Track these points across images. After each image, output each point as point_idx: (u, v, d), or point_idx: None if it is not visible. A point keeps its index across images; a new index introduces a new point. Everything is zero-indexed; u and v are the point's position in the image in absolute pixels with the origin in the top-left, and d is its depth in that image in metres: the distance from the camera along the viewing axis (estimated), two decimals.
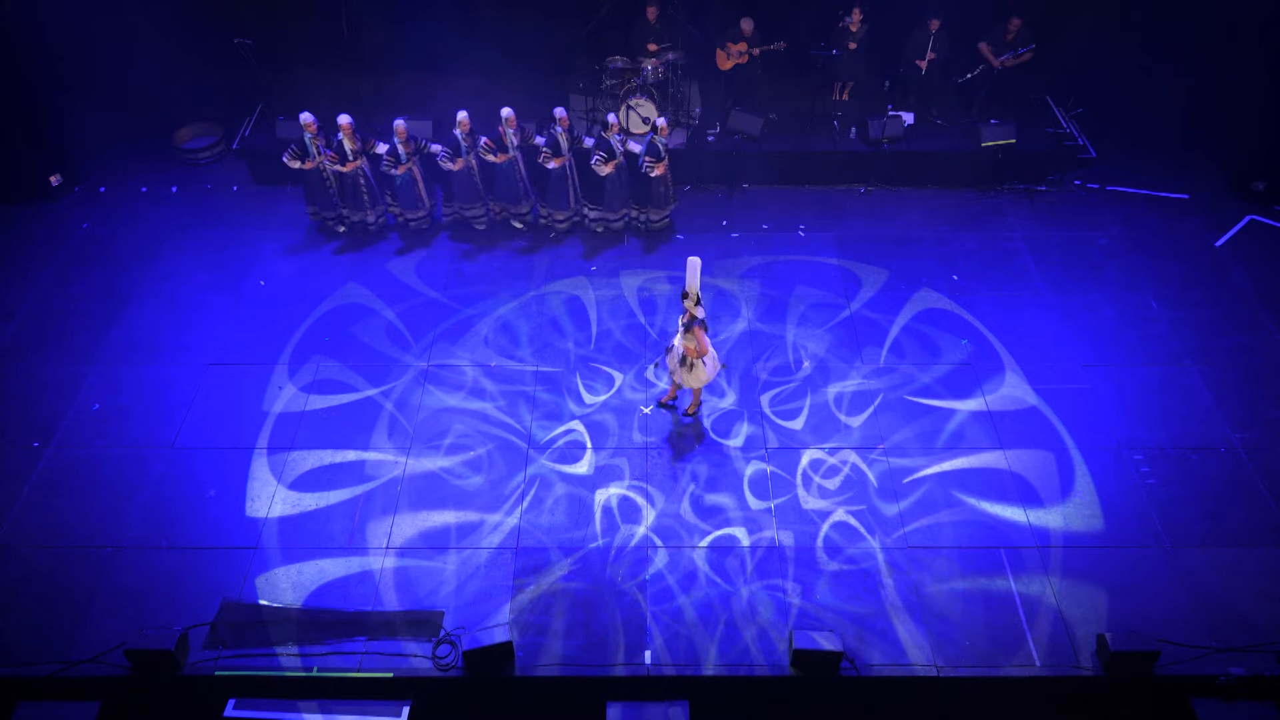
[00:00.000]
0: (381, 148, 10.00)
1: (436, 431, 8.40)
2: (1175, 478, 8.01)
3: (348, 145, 9.86)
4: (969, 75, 11.57)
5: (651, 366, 8.90)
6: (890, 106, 11.71)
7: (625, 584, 7.24)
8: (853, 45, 11.26)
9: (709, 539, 7.57)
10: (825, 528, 7.64)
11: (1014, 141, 11.21)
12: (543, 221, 10.76)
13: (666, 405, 8.61)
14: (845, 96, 11.98)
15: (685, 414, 8.53)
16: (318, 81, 12.19)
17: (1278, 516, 7.71)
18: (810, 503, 7.84)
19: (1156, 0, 11.23)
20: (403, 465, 8.11)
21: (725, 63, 11.48)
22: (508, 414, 8.58)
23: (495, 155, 10.02)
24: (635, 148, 10.07)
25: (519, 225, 10.79)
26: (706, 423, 8.49)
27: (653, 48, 11.23)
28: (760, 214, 11.09)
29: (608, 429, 8.45)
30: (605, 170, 9.95)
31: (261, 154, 11.46)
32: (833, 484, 7.99)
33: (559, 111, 9.91)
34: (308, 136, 9.79)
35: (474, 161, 10.17)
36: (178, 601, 7.06)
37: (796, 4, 11.64)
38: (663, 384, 8.75)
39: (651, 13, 11.15)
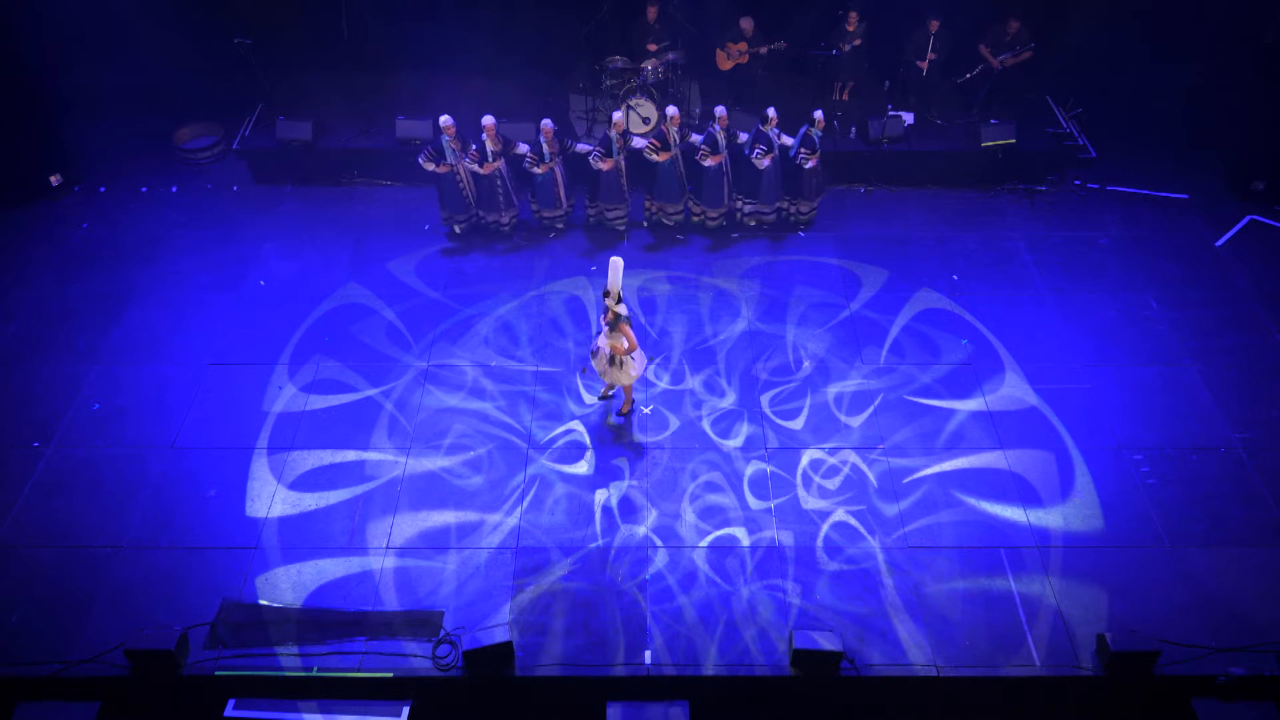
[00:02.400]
0: (522, 148, 9.95)
1: (436, 431, 8.40)
2: (1175, 478, 8.01)
3: (490, 146, 9.82)
4: (969, 75, 11.57)
5: (579, 374, 8.87)
6: (890, 106, 11.71)
7: (625, 584, 7.24)
8: (848, 46, 11.27)
9: (709, 539, 7.57)
10: (825, 528, 7.64)
11: (1014, 141, 11.21)
12: (695, 219, 10.73)
13: (607, 396, 8.64)
14: (845, 96, 11.98)
15: (619, 414, 8.53)
16: (318, 81, 12.20)
17: (1278, 516, 7.71)
18: (810, 503, 7.84)
19: (1157, 0, 11.22)
20: (403, 465, 8.11)
21: (725, 63, 11.49)
22: (508, 414, 8.58)
23: (659, 154, 10.02)
24: (788, 140, 10.12)
25: (669, 224, 10.78)
26: (639, 422, 8.49)
27: (653, 48, 11.23)
28: None
29: (608, 429, 8.45)
30: (764, 163, 9.99)
31: (261, 154, 11.47)
32: (833, 484, 8.00)
33: (719, 110, 9.87)
34: (445, 139, 9.74)
35: (623, 162, 10.14)
36: (178, 601, 7.06)
37: (796, 4, 11.64)
38: (598, 397, 8.69)
39: (651, 13, 11.15)
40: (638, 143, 10.14)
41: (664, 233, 10.73)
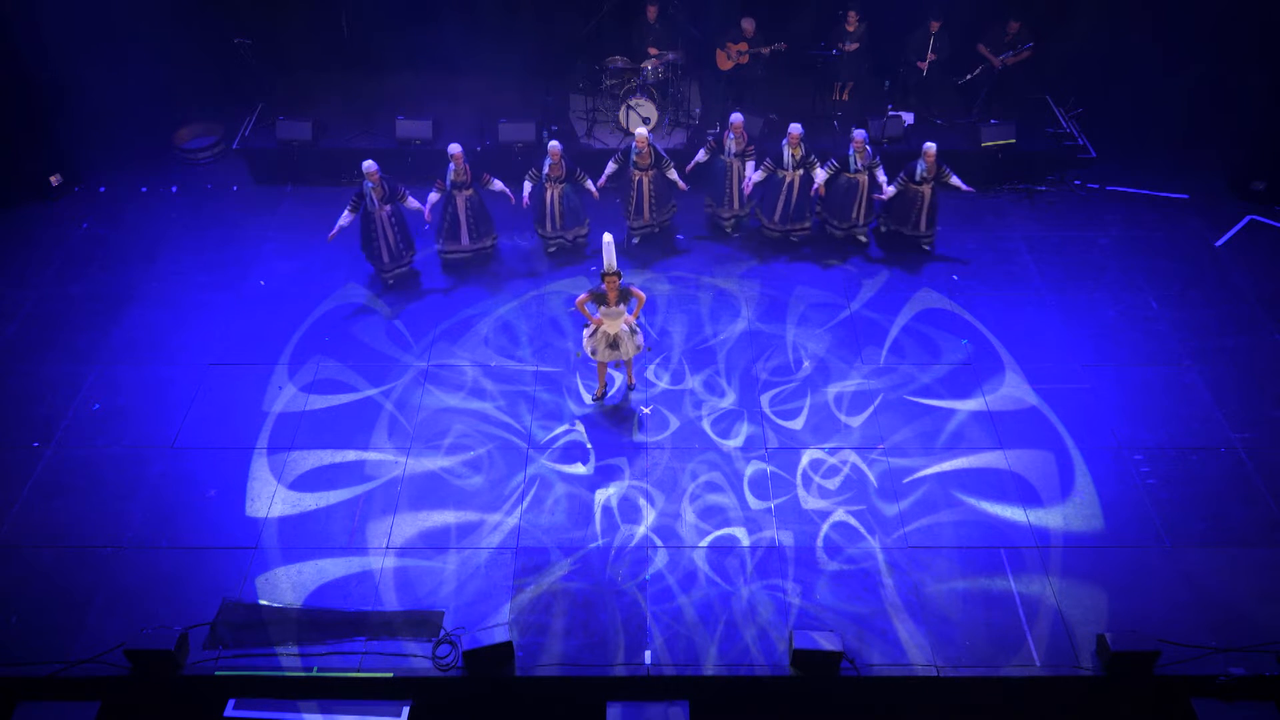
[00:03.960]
0: (496, 185, 9.66)
1: (436, 431, 8.40)
2: (1175, 478, 8.01)
3: (453, 177, 9.51)
4: (969, 76, 11.57)
5: (575, 356, 9.02)
6: (890, 106, 11.71)
7: (625, 584, 7.24)
8: (849, 46, 11.28)
9: (709, 539, 7.57)
10: (825, 528, 7.64)
11: (1014, 141, 11.21)
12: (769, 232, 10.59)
13: (601, 397, 8.72)
14: (845, 96, 11.98)
15: (596, 398, 8.68)
16: (318, 81, 12.21)
17: (1278, 516, 7.71)
18: (810, 503, 7.84)
19: (1157, 0, 11.22)
20: (403, 465, 8.11)
21: (725, 63, 11.49)
22: (508, 414, 8.58)
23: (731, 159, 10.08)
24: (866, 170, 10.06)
25: (727, 229, 10.72)
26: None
27: (653, 50, 11.23)
28: None
29: (608, 429, 8.45)
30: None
31: (261, 154, 11.47)
32: (833, 484, 7.99)
33: (794, 129, 9.79)
34: (368, 185, 9.21)
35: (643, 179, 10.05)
36: (178, 601, 7.05)
37: (796, 4, 11.64)
38: (594, 398, 8.73)
39: (652, 13, 11.15)
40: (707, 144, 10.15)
41: (664, 237, 10.73)
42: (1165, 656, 6.64)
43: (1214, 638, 6.83)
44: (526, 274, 10.17)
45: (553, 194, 9.91)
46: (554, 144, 9.69)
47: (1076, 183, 11.57)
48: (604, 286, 7.81)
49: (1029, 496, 7.87)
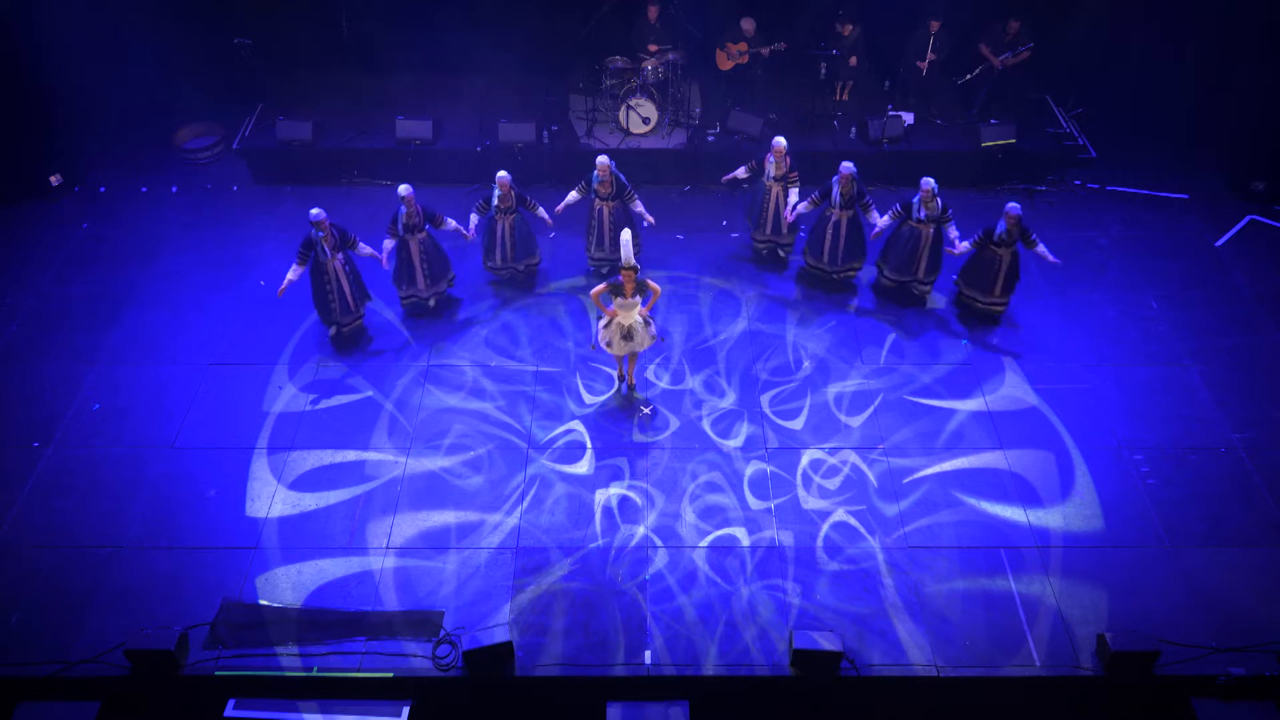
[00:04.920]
0: (450, 224, 9.15)
1: (436, 431, 8.40)
2: (1175, 478, 8.01)
3: (404, 220, 8.99)
4: (969, 76, 11.57)
5: (591, 348, 8.98)
6: (890, 106, 11.71)
7: (625, 584, 7.24)
8: (851, 60, 11.32)
9: (709, 539, 7.57)
10: (825, 528, 7.64)
11: (1014, 141, 11.21)
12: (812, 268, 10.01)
13: (633, 387, 8.81)
14: (845, 96, 11.98)
15: (619, 381, 8.81)
16: (318, 81, 12.21)
17: (1277, 516, 7.71)
18: (810, 503, 7.84)
19: (1157, 0, 11.22)
20: (403, 465, 8.11)
21: (725, 63, 11.49)
22: (508, 414, 8.58)
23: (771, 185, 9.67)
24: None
25: (762, 251, 10.31)
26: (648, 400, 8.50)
27: (653, 49, 11.23)
28: None
29: (608, 429, 8.45)
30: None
31: (261, 154, 11.47)
32: (833, 484, 7.99)
33: (846, 167, 9.14)
34: (318, 234, 8.54)
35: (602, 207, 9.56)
36: (178, 601, 7.06)
37: (796, 4, 11.64)
38: (626, 391, 8.78)
39: (652, 13, 11.15)
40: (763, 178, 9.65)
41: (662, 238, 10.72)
42: (1165, 656, 6.64)
43: (1214, 638, 6.83)
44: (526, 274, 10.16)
45: (504, 225, 9.44)
46: (502, 175, 9.15)
47: (1076, 183, 11.57)
48: (620, 279, 7.91)
49: (1029, 496, 7.87)
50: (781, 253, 10.37)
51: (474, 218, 9.36)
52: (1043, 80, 12.02)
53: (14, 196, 10.97)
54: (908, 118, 11.56)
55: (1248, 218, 10.94)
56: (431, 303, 9.57)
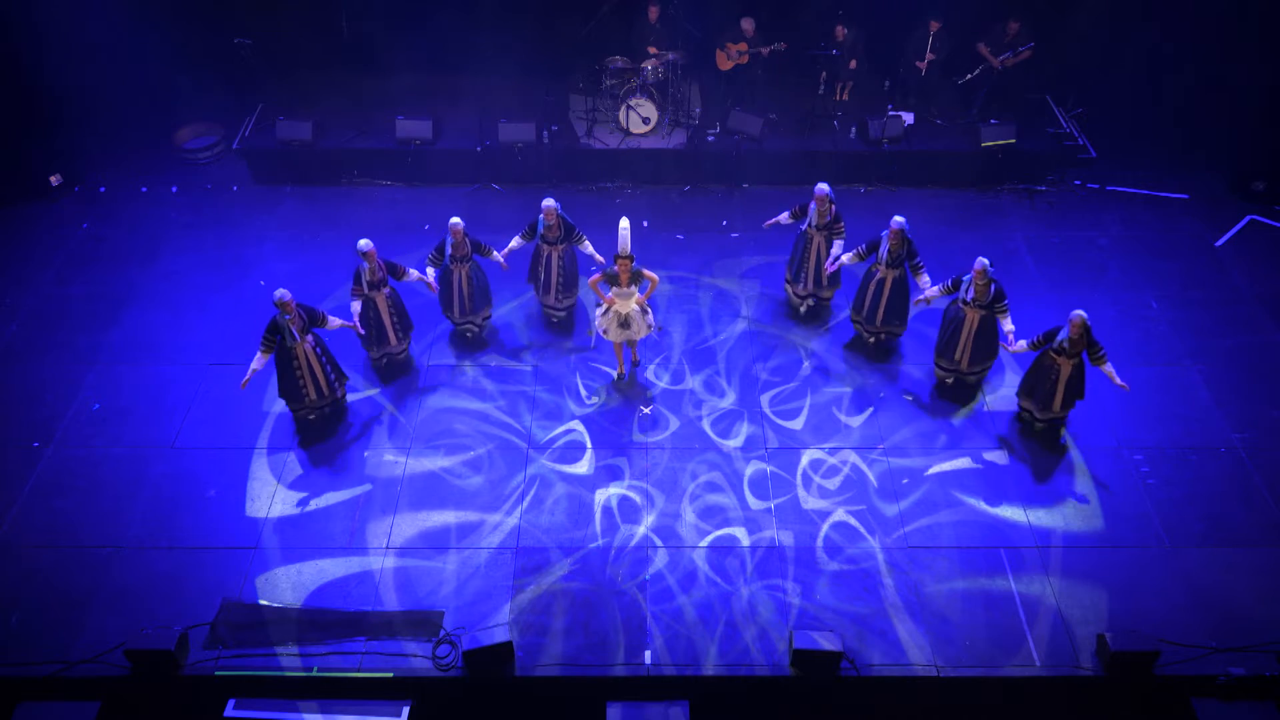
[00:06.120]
0: (412, 274, 8.56)
1: (436, 431, 8.40)
2: (1175, 478, 8.01)
3: (367, 276, 8.38)
4: (969, 76, 11.57)
5: (589, 335, 9.05)
6: (890, 106, 11.72)
7: (625, 584, 7.24)
8: (851, 64, 11.36)
9: (709, 539, 7.57)
10: (825, 528, 7.64)
11: (1014, 141, 11.22)
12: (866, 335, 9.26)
13: (637, 363, 8.92)
14: (845, 96, 11.98)
15: (618, 378, 8.88)
16: (318, 81, 12.21)
17: (1277, 516, 7.71)
18: (810, 503, 7.84)
19: (1157, 1, 11.22)
20: (403, 465, 8.11)
21: (725, 63, 11.50)
22: (508, 414, 8.57)
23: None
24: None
25: (800, 309, 9.57)
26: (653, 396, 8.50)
27: (653, 50, 11.23)
28: (760, 214, 10.98)
29: (608, 429, 8.45)
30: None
31: (261, 154, 11.48)
32: (833, 484, 7.99)
33: (897, 221, 8.33)
34: (285, 317, 7.66)
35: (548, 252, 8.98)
36: (178, 601, 7.06)
37: (796, 4, 11.64)
38: (626, 378, 8.81)
39: (652, 13, 11.16)
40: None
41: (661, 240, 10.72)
42: (1165, 656, 6.64)
43: (1214, 638, 6.83)
44: (526, 274, 10.13)
45: (459, 274, 8.76)
46: (455, 221, 8.50)
47: (1076, 183, 11.57)
48: (616, 268, 8.00)
49: (1029, 496, 7.87)
50: (819, 307, 9.57)
51: (431, 270, 8.67)
52: (1043, 80, 12.02)
53: (14, 196, 10.98)
54: (908, 118, 11.57)
55: (1247, 218, 10.94)
56: (402, 355, 9.00)
